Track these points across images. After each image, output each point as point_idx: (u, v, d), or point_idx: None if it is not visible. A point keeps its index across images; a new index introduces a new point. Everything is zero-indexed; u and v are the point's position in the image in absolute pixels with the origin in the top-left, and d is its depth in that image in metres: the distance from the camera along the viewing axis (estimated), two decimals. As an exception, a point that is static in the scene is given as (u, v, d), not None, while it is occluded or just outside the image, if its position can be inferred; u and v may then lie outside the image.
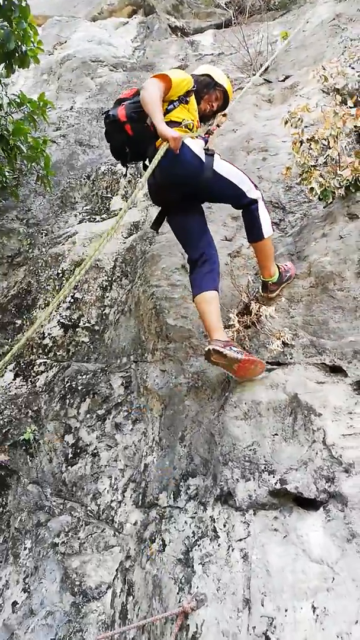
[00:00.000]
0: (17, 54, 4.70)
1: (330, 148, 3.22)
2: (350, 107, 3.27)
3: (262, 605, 2.04)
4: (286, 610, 1.98)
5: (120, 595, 2.61)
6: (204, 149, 2.81)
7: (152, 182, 2.92)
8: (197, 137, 2.86)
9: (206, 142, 2.91)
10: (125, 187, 5.71)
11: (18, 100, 5.14)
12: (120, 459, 3.21)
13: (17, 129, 4.91)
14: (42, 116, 5.29)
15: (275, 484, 2.26)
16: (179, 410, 3.05)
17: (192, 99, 2.94)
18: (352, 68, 4.98)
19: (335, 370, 2.56)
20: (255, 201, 2.87)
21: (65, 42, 10.15)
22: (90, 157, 6.35)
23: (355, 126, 3.14)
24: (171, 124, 2.71)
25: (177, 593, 2.31)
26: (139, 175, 5.76)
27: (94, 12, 11.46)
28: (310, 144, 3.23)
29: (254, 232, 2.92)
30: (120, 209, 5.42)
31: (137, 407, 3.43)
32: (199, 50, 9.14)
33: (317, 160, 3.31)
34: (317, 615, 1.91)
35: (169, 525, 2.57)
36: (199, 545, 2.37)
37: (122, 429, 3.38)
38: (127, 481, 3.06)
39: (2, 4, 4.36)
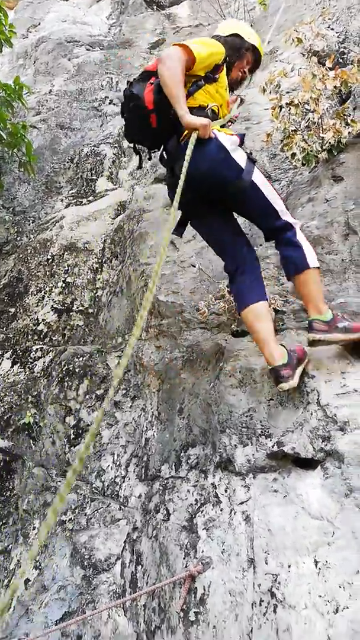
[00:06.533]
0: (-12, 38, 4.61)
1: (312, 112, 3.19)
2: (329, 69, 3.23)
3: (266, 564, 2.09)
4: (289, 566, 2.03)
5: (129, 566, 2.67)
6: (246, 153, 2.37)
7: (170, 180, 2.46)
8: (230, 131, 2.43)
9: (242, 140, 2.41)
10: (109, 168, 5.65)
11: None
12: (122, 436, 3.25)
13: (-5, 115, 4.83)
14: (20, 100, 5.20)
15: (273, 446, 2.30)
16: (175, 383, 3.08)
17: (223, 74, 2.45)
18: (332, 29, 4.90)
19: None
20: (291, 226, 2.35)
21: (39, 24, 9.94)
22: (73, 140, 6.28)
23: (335, 87, 3.10)
24: (195, 111, 2.26)
25: (184, 558, 2.36)
26: (122, 155, 5.71)
27: (66, -9, 11.17)
28: (290, 109, 3.19)
29: (295, 261, 2.33)
30: (106, 189, 5.39)
31: (135, 385, 3.46)
32: (176, 23, 8.97)
33: (299, 124, 3.28)
34: (319, 569, 1.96)
35: (172, 495, 2.62)
36: (202, 512, 2.42)
37: (122, 406, 3.41)
38: (129, 457, 3.10)
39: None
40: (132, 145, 2.59)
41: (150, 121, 2.33)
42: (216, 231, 2.55)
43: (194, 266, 3.50)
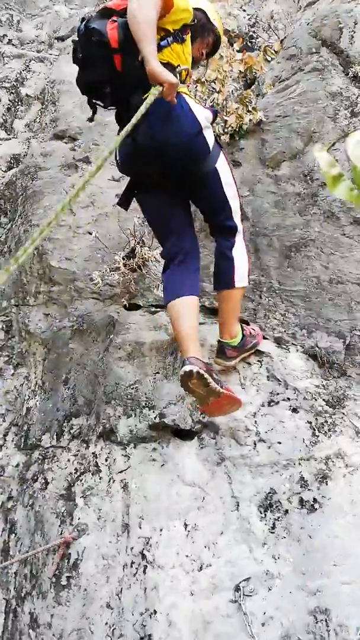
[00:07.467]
0: None
1: (218, 92, 3.23)
2: (237, 51, 3.28)
3: (140, 528, 2.20)
4: (161, 530, 2.15)
5: (1, 535, 2.62)
6: (215, 136, 2.18)
7: (128, 144, 1.98)
8: (203, 104, 2.19)
9: (215, 116, 2.18)
10: (4, 115, 5.20)
11: None
12: (1, 404, 3.13)
13: None
14: None
15: (155, 418, 2.39)
16: (63, 353, 3.02)
17: (189, 38, 2.14)
18: (244, 10, 4.96)
19: (214, 312, 2.71)
20: (236, 230, 2.25)
21: None
22: None
23: (240, 71, 3.17)
24: (165, 67, 1.89)
25: (59, 526, 2.38)
26: (19, 103, 5.29)
27: None
28: (197, 86, 3.20)
29: (222, 276, 2.27)
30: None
31: (19, 352, 3.32)
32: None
33: (205, 103, 3.31)
34: (189, 531, 2.12)
35: (52, 464, 2.61)
36: (81, 480, 2.45)
37: (3, 374, 3.27)
38: (8, 425, 3.01)
39: None
40: (86, 97, 2.15)
41: (114, 63, 1.97)
42: (166, 213, 2.29)
43: (91, 234, 3.41)
